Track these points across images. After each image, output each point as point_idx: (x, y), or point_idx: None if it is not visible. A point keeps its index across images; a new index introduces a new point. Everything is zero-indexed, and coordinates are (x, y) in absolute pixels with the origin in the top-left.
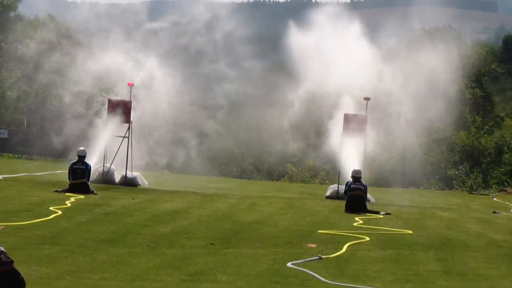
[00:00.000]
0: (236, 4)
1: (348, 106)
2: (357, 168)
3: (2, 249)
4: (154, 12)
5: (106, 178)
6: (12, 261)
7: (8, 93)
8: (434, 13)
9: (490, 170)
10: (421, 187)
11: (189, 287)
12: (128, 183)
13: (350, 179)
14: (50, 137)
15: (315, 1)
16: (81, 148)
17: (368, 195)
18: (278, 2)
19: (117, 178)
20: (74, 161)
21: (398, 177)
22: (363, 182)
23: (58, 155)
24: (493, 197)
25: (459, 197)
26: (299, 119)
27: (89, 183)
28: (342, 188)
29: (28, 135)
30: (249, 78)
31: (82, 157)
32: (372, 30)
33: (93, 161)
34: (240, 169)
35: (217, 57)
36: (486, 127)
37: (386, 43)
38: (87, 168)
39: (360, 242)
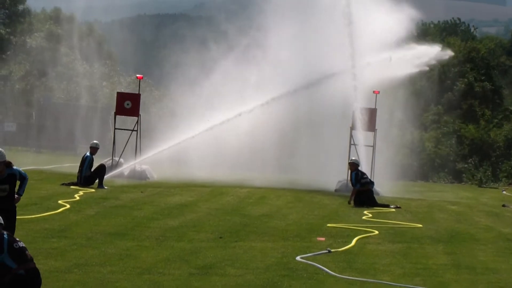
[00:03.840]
0: None
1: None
2: (354, 158)
3: (23, 244)
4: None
5: (115, 172)
6: (32, 258)
7: (17, 86)
8: (445, 7)
9: (500, 163)
10: (430, 181)
11: (198, 280)
12: (137, 175)
13: (350, 171)
14: (58, 130)
15: None
16: (95, 141)
17: (377, 188)
18: None
19: (126, 172)
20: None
21: (407, 170)
22: (366, 174)
23: (66, 148)
24: (502, 191)
25: (468, 190)
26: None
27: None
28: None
29: (36, 128)
30: None
31: (94, 150)
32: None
33: (102, 154)
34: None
35: None
36: (496, 120)
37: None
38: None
39: (369, 236)
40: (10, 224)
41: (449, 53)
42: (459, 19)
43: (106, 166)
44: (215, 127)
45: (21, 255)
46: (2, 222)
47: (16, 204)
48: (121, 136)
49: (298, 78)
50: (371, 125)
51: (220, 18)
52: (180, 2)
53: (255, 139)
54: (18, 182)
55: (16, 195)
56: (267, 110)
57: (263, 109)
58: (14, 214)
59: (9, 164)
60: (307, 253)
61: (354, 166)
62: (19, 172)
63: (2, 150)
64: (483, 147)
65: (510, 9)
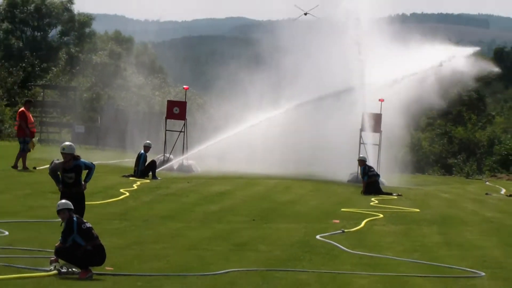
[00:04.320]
0: None
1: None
2: (362, 156)
3: (91, 225)
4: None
5: (166, 166)
6: (98, 237)
7: (85, 95)
8: (434, 29)
9: (483, 159)
10: (426, 173)
11: (235, 255)
12: (184, 168)
13: (359, 166)
14: (119, 132)
15: None
16: (147, 141)
17: (382, 179)
18: None
19: (175, 166)
20: (142, 151)
21: (407, 165)
22: (373, 168)
23: (125, 147)
24: (485, 182)
25: (458, 181)
26: None
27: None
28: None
29: (101, 130)
30: None
31: (147, 148)
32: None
33: (153, 152)
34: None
35: None
36: (480, 123)
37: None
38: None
39: (376, 219)
40: (80, 207)
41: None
42: (449, 39)
43: (158, 161)
44: (247, 128)
45: (88, 234)
46: (72, 207)
47: (84, 191)
48: (171, 136)
49: (317, 91)
50: (377, 127)
51: (253, 39)
52: (219, 26)
53: (281, 139)
54: (85, 172)
55: (83, 182)
56: (290, 116)
57: (287, 115)
58: (82, 199)
59: (76, 157)
60: (324, 233)
61: (362, 162)
62: (84, 163)
63: (72, 144)
64: (470, 145)
65: (492, 31)
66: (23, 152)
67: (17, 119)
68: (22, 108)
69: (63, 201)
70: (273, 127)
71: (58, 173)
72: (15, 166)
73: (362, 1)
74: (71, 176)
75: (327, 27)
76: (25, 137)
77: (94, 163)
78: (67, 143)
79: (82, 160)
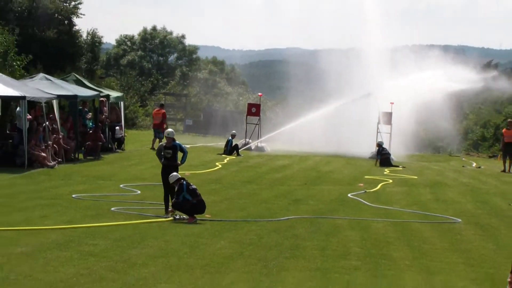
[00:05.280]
0: None
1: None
2: (380, 140)
3: (195, 187)
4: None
5: (246, 147)
6: (200, 194)
7: (192, 99)
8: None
9: (461, 143)
10: (422, 152)
11: (293, 206)
12: (258, 149)
13: (376, 148)
14: (214, 124)
15: None
16: (233, 131)
17: (392, 157)
18: None
19: (252, 147)
20: (230, 138)
21: (409, 147)
22: (386, 148)
23: (220, 134)
24: (462, 158)
25: (443, 158)
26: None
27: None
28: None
29: (203, 123)
30: None
31: (233, 136)
32: None
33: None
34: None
35: None
36: (459, 119)
37: None
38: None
39: (387, 183)
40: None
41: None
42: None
43: (240, 144)
44: (302, 122)
45: (194, 193)
46: (180, 176)
47: (182, 165)
48: (250, 127)
49: (348, 96)
50: (389, 121)
51: (304, 63)
52: (282, 53)
53: (324, 129)
54: (181, 155)
55: (179, 162)
56: (331, 114)
57: (328, 114)
58: (176, 169)
59: (174, 140)
60: (353, 192)
61: (379, 145)
62: (180, 145)
63: (173, 131)
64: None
65: (468, 59)
66: (158, 138)
67: (164, 117)
68: (164, 111)
69: (175, 173)
70: (318, 121)
71: (162, 153)
72: (152, 148)
73: (371, 34)
74: (169, 152)
75: (353, 55)
76: (162, 129)
77: (198, 145)
78: (169, 130)
79: (178, 143)
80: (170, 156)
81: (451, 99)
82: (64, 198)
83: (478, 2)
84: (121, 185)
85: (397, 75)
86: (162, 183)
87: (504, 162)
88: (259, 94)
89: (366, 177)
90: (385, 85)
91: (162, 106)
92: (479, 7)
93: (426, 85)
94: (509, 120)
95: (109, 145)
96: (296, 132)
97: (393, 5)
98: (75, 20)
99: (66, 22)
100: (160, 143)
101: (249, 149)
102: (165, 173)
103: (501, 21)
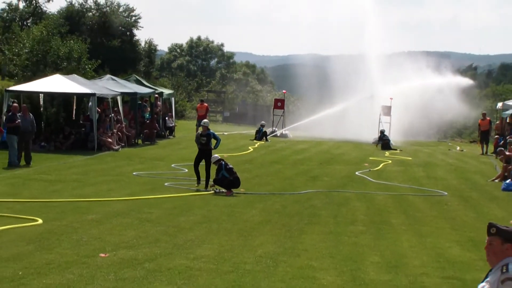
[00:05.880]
0: None
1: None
2: (382, 128)
3: (232, 166)
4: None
5: (272, 134)
6: (236, 172)
7: (229, 96)
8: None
9: (447, 131)
10: (416, 138)
11: (310, 182)
12: (283, 136)
13: (379, 134)
14: (247, 116)
15: None
16: (263, 121)
17: (392, 142)
18: None
19: (278, 134)
20: (260, 127)
21: (407, 134)
22: (386, 135)
23: (251, 123)
24: (448, 143)
25: (433, 143)
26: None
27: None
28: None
29: (238, 115)
30: None
31: (263, 125)
32: None
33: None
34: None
35: None
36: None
37: None
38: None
39: (388, 163)
40: (208, 158)
41: None
42: (419, 69)
43: (268, 132)
44: (318, 115)
45: (231, 170)
46: (220, 158)
47: (215, 150)
48: (276, 118)
49: (355, 96)
50: (388, 113)
51: (321, 66)
52: (302, 58)
53: (335, 121)
54: (214, 142)
55: (212, 147)
56: (340, 110)
57: (339, 109)
58: (210, 153)
59: (209, 129)
60: (359, 170)
61: (381, 132)
62: (213, 134)
63: (208, 121)
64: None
65: (454, 60)
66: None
67: (207, 111)
68: (207, 105)
69: (216, 155)
70: (332, 115)
71: (199, 139)
72: None
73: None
74: (204, 139)
75: (358, 60)
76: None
77: (233, 132)
78: (205, 120)
79: (212, 131)
80: (205, 142)
81: (440, 95)
82: (126, 175)
83: (461, 16)
84: (172, 165)
85: (396, 77)
86: (194, 162)
87: (482, 147)
88: (284, 91)
89: (370, 158)
90: (385, 86)
91: (202, 101)
92: (462, 20)
93: (418, 85)
94: (483, 112)
95: (162, 133)
96: (313, 123)
97: (391, 16)
98: (135, 31)
99: (128, 33)
100: (197, 131)
101: (275, 136)
102: (200, 154)
103: (481, 31)
